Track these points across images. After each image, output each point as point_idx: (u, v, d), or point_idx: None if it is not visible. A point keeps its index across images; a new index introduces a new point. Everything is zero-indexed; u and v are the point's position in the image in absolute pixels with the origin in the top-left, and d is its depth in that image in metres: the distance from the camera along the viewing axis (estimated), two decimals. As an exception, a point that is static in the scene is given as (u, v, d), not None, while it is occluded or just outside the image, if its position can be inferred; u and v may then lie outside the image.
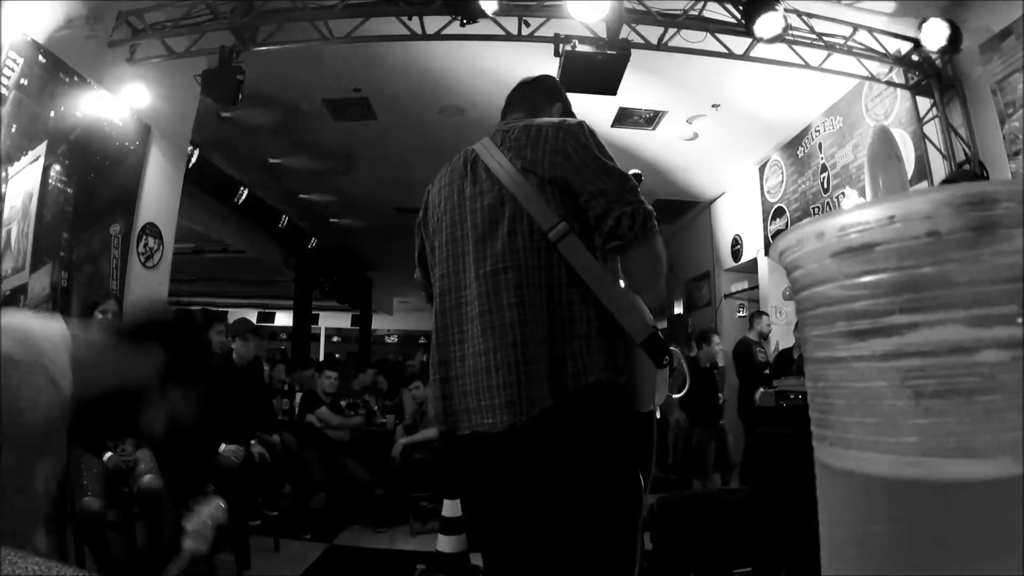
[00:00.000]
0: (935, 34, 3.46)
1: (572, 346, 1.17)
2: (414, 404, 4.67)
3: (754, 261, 6.06)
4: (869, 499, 0.29)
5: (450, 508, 2.98)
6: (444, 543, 2.93)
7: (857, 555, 0.30)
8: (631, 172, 1.29)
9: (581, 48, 3.39)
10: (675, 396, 1.25)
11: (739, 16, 3.43)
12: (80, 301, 3.20)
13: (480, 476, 1.28)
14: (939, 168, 3.69)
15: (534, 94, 1.53)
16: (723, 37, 3.55)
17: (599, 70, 3.42)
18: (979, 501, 0.26)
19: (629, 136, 5.36)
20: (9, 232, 2.90)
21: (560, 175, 1.21)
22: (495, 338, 1.17)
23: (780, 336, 5.42)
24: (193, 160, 4.92)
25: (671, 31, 3.50)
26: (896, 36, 3.72)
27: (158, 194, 4.00)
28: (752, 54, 3.61)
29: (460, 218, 1.30)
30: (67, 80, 3.19)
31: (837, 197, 4.65)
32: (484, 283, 1.20)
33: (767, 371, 4.72)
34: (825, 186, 4.83)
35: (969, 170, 3.40)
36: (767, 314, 5.25)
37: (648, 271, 1.25)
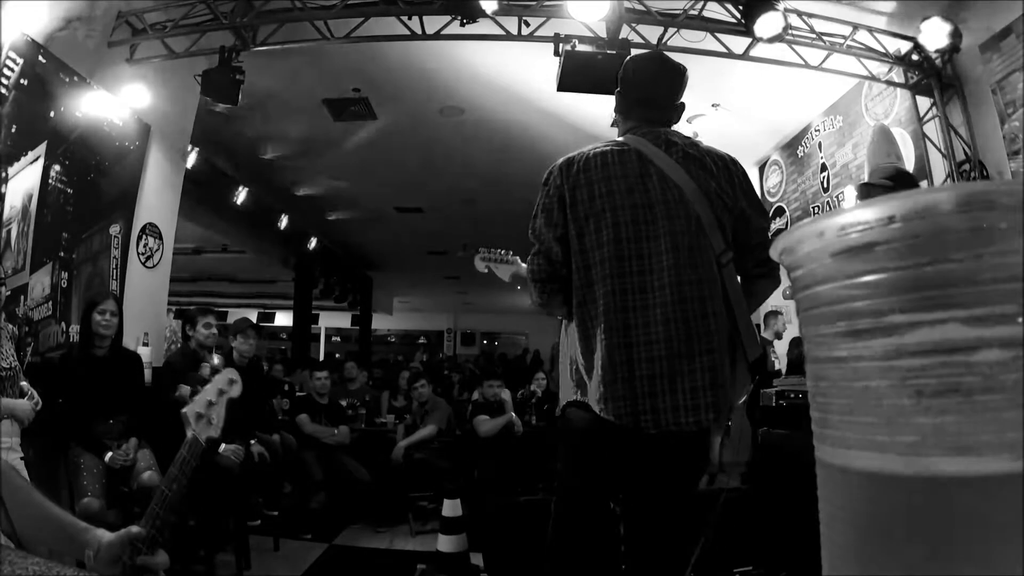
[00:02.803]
0: (935, 34, 3.45)
1: (728, 356, 1.33)
2: (416, 403, 4.67)
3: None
4: (869, 498, 0.29)
5: (450, 508, 2.98)
6: (444, 543, 2.93)
7: (857, 554, 0.30)
8: None
9: (581, 48, 3.38)
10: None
11: (739, 16, 3.43)
12: (80, 301, 3.20)
13: (661, 469, 1.34)
14: (939, 168, 3.69)
15: (674, 93, 1.53)
16: (723, 37, 3.54)
17: (599, 70, 3.41)
18: (979, 500, 0.26)
19: (629, 136, 5.36)
20: (9, 232, 2.90)
21: (740, 207, 1.39)
22: (701, 343, 1.27)
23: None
24: (193, 160, 4.92)
25: (671, 31, 3.50)
26: (896, 36, 3.72)
27: (158, 194, 3.99)
28: (752, 53, 3.61)
29: (652, 219, 1.34)
30: (67, 80, 3.19)
31: (837, 196, 4.64)
32: (691, 290, 1.29)
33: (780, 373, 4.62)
34: (825, 185, 4.83)
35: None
36: (781, 313, 5.02)
37: (769, 294, 1.48)
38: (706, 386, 1.26)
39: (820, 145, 4.89)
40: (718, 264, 1.33)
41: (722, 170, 1.40)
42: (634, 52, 1.64)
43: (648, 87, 1.51)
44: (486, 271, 1.79)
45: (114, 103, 3.53)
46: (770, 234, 1.47)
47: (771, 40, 3.38)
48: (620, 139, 1.46)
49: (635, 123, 1.49)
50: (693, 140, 1.46)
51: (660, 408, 1.26)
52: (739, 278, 1.42)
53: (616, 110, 1.56)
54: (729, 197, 1.37)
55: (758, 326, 4.95)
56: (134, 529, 0.92)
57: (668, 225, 1.32)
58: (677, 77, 1.52)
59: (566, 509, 1.43)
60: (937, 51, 3.53)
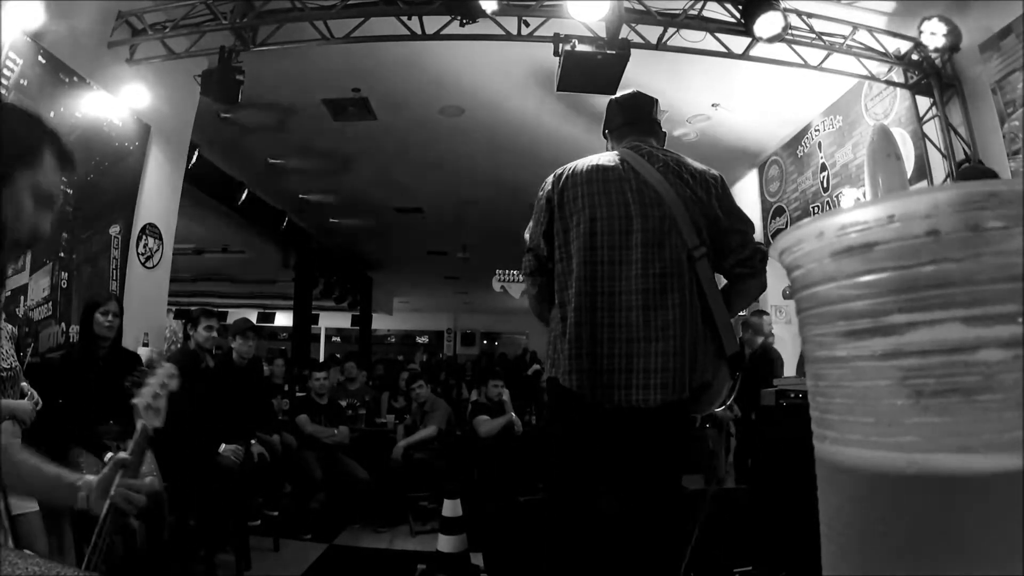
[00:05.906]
0: (935, 33, 3.46)
1: (699, 348, 1.42)
2: (415, 404, 4.67)
3: (754, 260, 6.02)
4: (869, 498, 0.29)
5: (450, 508, 2.98)
6: (444, 543, 2.93)
7: (857, 554, 0.30)
8: None
9: (581, 48, 3.38)
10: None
11: (739, 15, 3.42)
12: (80, 302, 3.20)
13: (613, 441, 1.45)
14: (939, 167, 3.69)
15: (652, 116, 1.73)
16: (723, 36, 3.54)
17: (598, 70, 3.41)
18: (979, 500, 0.26)
19: (629, 136, 5.36)
20: (9, 232, 2.90)
21: (715, 213, 1.52)
22: (658, 329, 1.40)
23: (778, 335, 5.38)
24: (193, 160, 4.92)
25: (671, 31, 3.50)
26: (896, 35, 3.72)
27: (158, 194, 3.99)
28: (752, 53, 3.61)
29: (626, 216, 1.49)
30: (67, 80, 3.19)
31: (837, 196, 4.64)
32: (654, 282, 1.42)
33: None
34: (825, 185, 4.83)
35: (983, 167, 3.36)
36: (767, 313, 5.14)
37: (754, 294, 1.61)
38: (659, 368, 1.38)
39: (820, 145, 4.89)
40: (690, 258, 1.44)
41: (699, 182, 1.54)
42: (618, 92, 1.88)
43: (629, 111, 1.73)
44: (501, 290, 2.02)
45: (114, 103, 3.53)
46: (759, 235, 1.56)
47: (771, 40, 3.38)
48: (607, 152, 1.66)
49: (619, 141, 1.70)
50: (675, 156, 1.60)
51: (615, 384, 1.40)
52: (723, 279, 1.54)
53: (606, 136, 1.78)
54: (705, 204, 1.51)
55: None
56: (121, 454, 1.03)
57: (641, 223, 1.47)
58: (650, 101, 1.74)
59: (558, 488, 1.56)
60: (937, 51, 3.53)
